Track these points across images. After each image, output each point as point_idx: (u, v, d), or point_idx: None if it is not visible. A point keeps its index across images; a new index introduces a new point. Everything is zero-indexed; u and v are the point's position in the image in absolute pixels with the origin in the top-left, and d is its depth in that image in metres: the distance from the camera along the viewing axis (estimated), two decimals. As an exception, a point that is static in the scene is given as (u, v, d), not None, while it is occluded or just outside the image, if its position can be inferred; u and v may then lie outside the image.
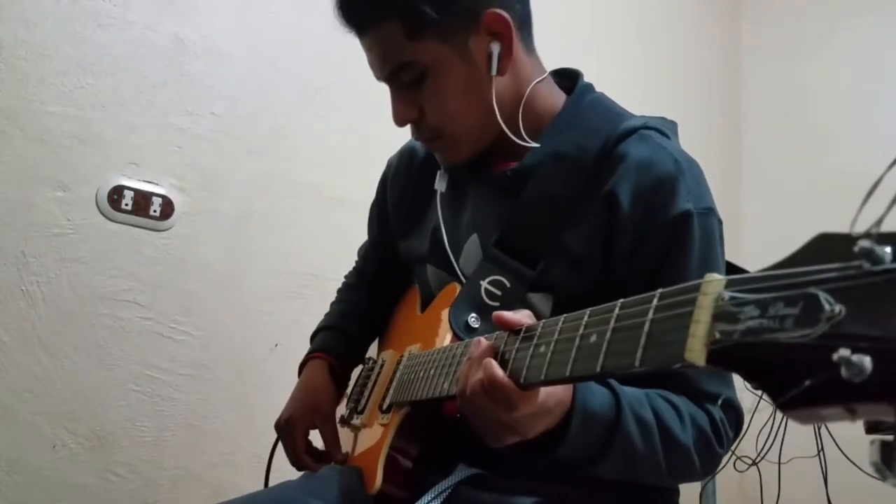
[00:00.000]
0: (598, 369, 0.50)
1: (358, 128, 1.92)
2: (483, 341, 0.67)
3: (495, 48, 0.87)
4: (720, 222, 0.86)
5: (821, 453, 1.82)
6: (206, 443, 1.70)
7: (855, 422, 0.34)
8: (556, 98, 0.95)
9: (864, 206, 0.34)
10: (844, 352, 0.31)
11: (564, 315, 0.58)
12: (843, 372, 0.31)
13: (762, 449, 1.87)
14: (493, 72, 0.87)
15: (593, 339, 0.52)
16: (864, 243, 0.32)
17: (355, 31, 0.90)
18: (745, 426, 0.83)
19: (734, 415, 0.81)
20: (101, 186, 1.63)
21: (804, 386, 0.33)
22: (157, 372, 1.66)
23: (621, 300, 0.51)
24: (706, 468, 0.78)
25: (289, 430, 1.02)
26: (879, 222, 0.33)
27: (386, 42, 0.87)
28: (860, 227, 0.33)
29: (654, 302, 0.46)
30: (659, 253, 0.82)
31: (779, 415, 1.83)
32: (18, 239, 1.54)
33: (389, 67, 0.88)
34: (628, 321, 0.48)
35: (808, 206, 2.45)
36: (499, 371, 0.61)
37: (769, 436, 1.83)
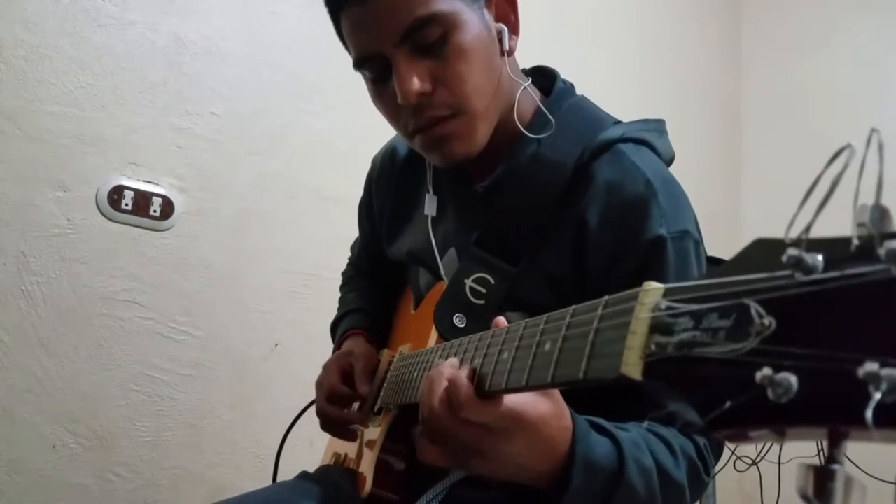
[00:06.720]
0: (549, 380, 0.47)
1: (358, 128, 1.91)
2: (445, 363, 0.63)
3: (504, 28, 0.84)
4: (697, 243, 0.81)
5: (821, 453, 1.82)
6: (206, 443, 1.70)
7: (785, 443, 0.31)
8: (534, 105, 0.89)
9: (800, 211, 0.32)
10: (767, 371, 0.29)
11: (526, 320, 0.55)
12: (770, 392, 0.28)
13: (762, 449, 1.87)
14: (506, 46, 0.83)
15: (547, 346, 0.49)
16: (793, 251, 0.30)
17: None
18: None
19: (715, 440, 0.78)
20: (101, 186, 1.63)
21: (725, 407, 0.31)
22: (157, 372, 1.66)
23: (574, 306, 0.48)
24: (695, 498, 0.76)
25: (324, 374, 1.00)
26: (808, 229, 0.30)
27: None
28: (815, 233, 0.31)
29: (600, 310, 0.44)
30: (631, 278, 0.78)
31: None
32: (18, 239, 1.54)
33: (406, 24, 0.76)
34: (577, 329, 0.46)
35: (807, 206, 2.44)
36: (463, 377, 0.58)
37: (769, 436, 1.83)
